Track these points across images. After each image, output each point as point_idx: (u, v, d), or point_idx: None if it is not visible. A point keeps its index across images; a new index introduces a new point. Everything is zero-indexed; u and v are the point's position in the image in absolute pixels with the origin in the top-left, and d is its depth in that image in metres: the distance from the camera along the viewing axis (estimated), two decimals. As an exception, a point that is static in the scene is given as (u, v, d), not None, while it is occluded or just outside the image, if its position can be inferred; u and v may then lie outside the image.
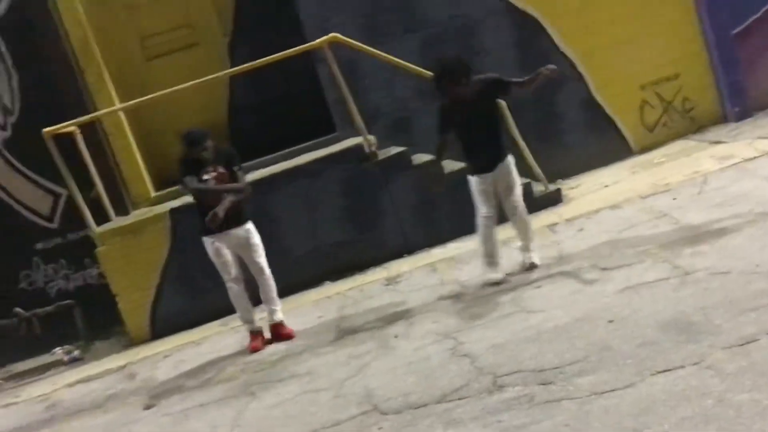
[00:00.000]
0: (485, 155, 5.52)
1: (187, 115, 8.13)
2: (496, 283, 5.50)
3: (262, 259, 5.81)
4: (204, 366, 5.91)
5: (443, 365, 4.43)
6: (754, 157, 6.51)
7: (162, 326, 7.09)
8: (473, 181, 5.61)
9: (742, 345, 3.54)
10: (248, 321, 5.89)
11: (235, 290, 5.79)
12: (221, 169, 5.71)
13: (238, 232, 5.73)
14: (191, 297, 7.08)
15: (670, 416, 3.18)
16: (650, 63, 7.92)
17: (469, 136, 5.51)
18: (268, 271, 5.85)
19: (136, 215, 7.36)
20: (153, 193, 7.70)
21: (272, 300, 5.88)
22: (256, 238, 5.80)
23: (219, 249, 5.71)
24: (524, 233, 5.68)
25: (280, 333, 5.84)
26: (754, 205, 5.35)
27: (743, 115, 7.90)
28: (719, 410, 3.11)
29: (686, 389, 3.34)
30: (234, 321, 6.69)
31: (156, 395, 5.61)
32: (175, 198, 7.44)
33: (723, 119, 8.05)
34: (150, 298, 7.09)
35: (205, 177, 5.67)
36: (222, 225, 5.65)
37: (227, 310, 6.86)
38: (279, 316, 5.88)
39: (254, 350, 5.75)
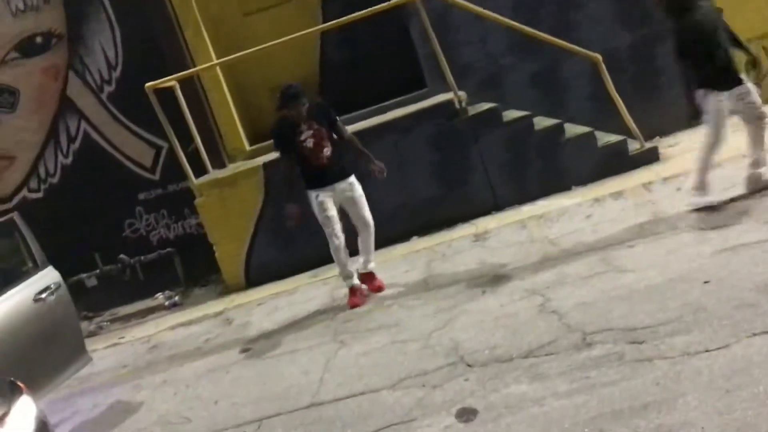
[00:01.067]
0: (723, 70, 5.27)
1: (280, 70, 8.26)
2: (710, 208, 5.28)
3: (366, 212, 5.82)
4: (296, 314, 6.12)
5: (531, 321, 4.45)
6: None
7: (256, 275, 7.36)
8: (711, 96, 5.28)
9: None
10: (348, 276, 5.89)
11: (337, 244, 5.76)
12: (316, 126, 5.68)
13: (342, 185, 5.74)
14: (283, 248, 7.30)
15: (764, 379, 3.12)
16: (760, 15, 7.49)
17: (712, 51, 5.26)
18: (372, 223, 5.86)
19: (232, 168, 7.61)
20: (248, 147, 7.92)
21: (370, 251, 5.93)
22: (360, 191, 5.80)
23: (323, 203, 5.69)
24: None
25: (371, 283, 5.94)
26: None
27: None
28: (819, 375, 3.02)
29: (784, 353, 3.26)
30: (324, 273, 6.90)
31: (251, 340, 5.87)
32: (268, 152, 7.65)
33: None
34: (245, 248, 7.35)
35: (302, 137, 5.65)
36: (327, 179, 5.70)
37: (316, 261, 7.09)
38: (372, 265, 5.95)
39: (354, 306, 5.76)
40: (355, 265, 6.00)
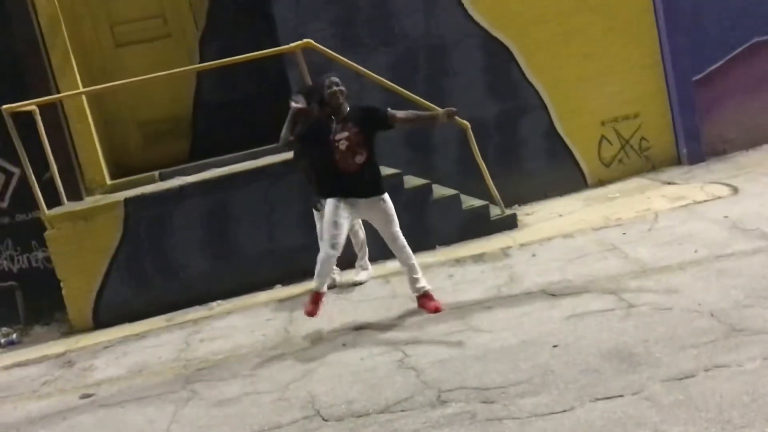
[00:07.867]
0: None
1: (151, 106, 8.08)
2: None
3: (397, 228, 5.40)
4: (146, 359, 5.81)
5: (389, 376, 4.46)
6: (704, 201, 6.74)
7: (105, 316, 6.95)
8: None
9: (680, 379, 3.66)
10: (319, 287, 5.42)
11: (330, 254, 5.33)
12: (355, 129, 5.24)
13: (373, 201, 5.37)
14: (138, 289, 6.97)
15: (606, 442, 3.27)
16: (612, 100, 8.14)
17: None
18: (404, 242, 5.41)
19: (90, 201, 7.24)
20: (109, 181, 7.59)
21: (412, 272, 5.44)
22: (392, 208, 5.40)
23: (338, 208, 5.30)
24: None
25: (424, 304, 5.43)
26: (699, 247, 5.54)
27: (696, 159, 8.18)
28: (653, 439, 3.21)
29: (623, 418, 3.43)
30: (180, 317, 6.65)
31: (94, 385, 5.50)
32: (129, 187, 7.36)
33: (677, 161, 8.32)
34: (95, 286, 6.95)
35: (337, 136, 5.23)
36: (354, 189, 5.32)
37: (173, 304, 6.83)
38: (421, 286, 5.44)
39: (309, 314, 5.37)
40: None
